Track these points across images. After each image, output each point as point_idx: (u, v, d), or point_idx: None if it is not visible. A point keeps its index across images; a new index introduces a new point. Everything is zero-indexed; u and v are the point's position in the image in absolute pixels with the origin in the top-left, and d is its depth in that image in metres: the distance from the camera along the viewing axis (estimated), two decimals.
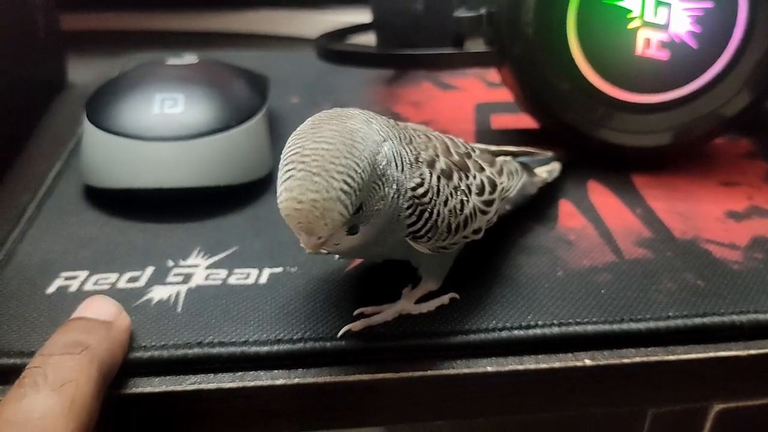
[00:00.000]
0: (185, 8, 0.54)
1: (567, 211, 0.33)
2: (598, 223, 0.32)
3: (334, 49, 0.41)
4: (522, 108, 0.37)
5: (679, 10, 0.34)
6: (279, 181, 0.21)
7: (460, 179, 0.25)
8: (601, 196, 0.34)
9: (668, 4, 0.33)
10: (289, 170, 0.21)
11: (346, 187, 0.20)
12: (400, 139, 0.24)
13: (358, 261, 0.29)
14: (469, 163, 0.26)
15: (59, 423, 0.19)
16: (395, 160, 0.22)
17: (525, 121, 0.38)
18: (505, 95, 0.39)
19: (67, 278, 0.27)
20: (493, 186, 0.27)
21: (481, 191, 0.26)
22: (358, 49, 0.41)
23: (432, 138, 0.25)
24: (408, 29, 0.39)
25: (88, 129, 0.32)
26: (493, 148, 0.30)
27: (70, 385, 0.20)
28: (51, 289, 0.27)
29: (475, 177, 0.26)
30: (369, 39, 0.46)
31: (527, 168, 0.31)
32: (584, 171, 0.36)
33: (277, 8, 0.54)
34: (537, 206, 0.33)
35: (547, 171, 0.33)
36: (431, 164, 0.24)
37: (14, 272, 0.28)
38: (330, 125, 0.22)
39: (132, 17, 0.53)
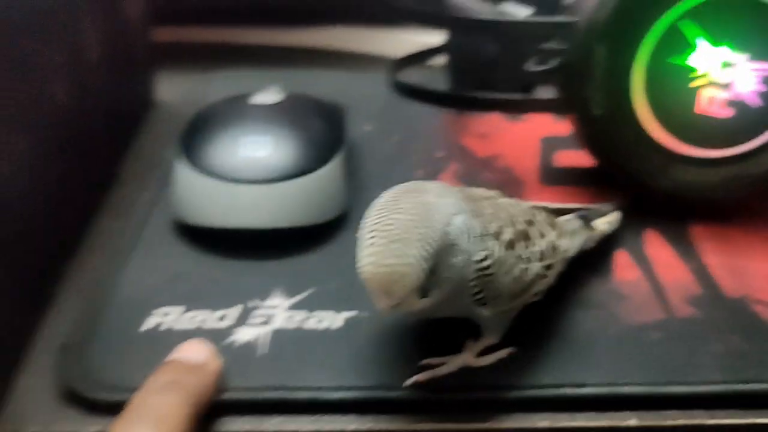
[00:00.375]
0: (267, 23, 0.56)
1: (623, 262, 0.35)
2: (651, 276, 0.34)
3: (405, 83, 0.43)
4: (587, 154, 0.39)
5: (745, 70, 0.34)
6: (361, 248, 0.24)
7: (525, 247, 0.27)
8: (657, 247, 0.36)
9: (734, 64, 0.34)
10: (370, 238, 0.24)
11: (422, 253, 0.23)
12: (472, 212, 0.26)
13: None
14: (532, 232, 0.28)
15: None
16: (466, 233, 0.25)
17: (589, 159, 0.39)
18: (571, 129, 0.40)
19: (159, 315, 0.31)
20: (554, 250, 0.29)
21: (542, 257, 0.28)
22: (428, 87, 0.43)
23: (498, 209, 0.27)
24: (481, 69, 0.41)
25: (181, 168, 0.35)
26: (555, 206, 0.32)
27: (167, 421, 0.23)
28: (145, 327, 0.30)
29: (536, 245, 0.28)
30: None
31: (587, 223, 0.33)
32: (643, 219, 0.37)
33: (356, 25, 0.56)
34: (595, 258, 0.34)
35: (608, 222, 0.35)
36: (497, 236, 0.26)
37: (114, 309, 0.31)
38: (408, 198, 0.24)
39: (213, 31, 0.56)
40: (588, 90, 0.35)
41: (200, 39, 0.56)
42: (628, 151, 0.36)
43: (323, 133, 0.37)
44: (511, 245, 0.27)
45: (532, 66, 0.36)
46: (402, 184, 0.26)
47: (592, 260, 0.34)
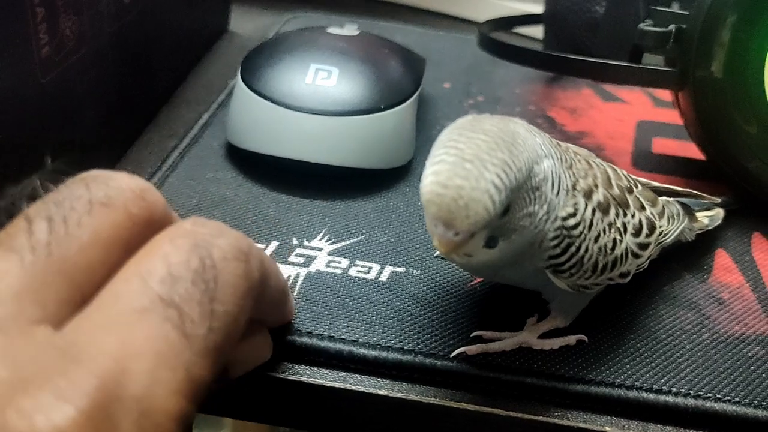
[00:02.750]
0: None
1: (724, 264, 0.30)
2: (757, 284, 0.29)
3: (495, 39, 0.38)
4: (694, 140, 0.34)
5: None
6: (427, 165, 0.19)
7: (617, 215, 0.23)
8: (765, 253, 0.30)
9: None
10: (440, 155, 0.19)
11: (498, 181, 0.19)
12: (561, 161, 0.22)
13: None
14: (630, 199, 0.23)
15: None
16: (552, 180, 0.21)
17: (691, 150, 0.35)
18: (673, 117, 0.35)
19: None
20: (652, 228, 0.24)
21: (637, 232, 0.23)
22: (522, 45, 0.38)
23: (593, 165, 0.23)
24: (582, 30, 0.37)
25: (240, 88, 0.32)
26: (656, 184, 0.28)
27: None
28: None
29: (633, 215, 0.23)
30: (538, 31, 0.44)
31: (688, 211, 0.28)
32: (751, 222, 0.32)
33: None
34: (691, 253, 0.29)
35: (709, 217, 0.30)
36: (588, 194, 0.22)
37: None
38: (492, 121, 0.20)
39: None
40: (709, 65, 0.30)
41: None
42: (750, 141, 0.31)
43: (397, 74, 0.33)
44: (603, 209, 0.22)
45: (647, 24, 0.31)
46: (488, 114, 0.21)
47: (689, 255, 0.29)
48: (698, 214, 0.29)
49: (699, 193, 0.29)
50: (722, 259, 0.30)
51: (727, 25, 0.30)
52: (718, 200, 0.31)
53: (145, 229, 0.17)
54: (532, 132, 0.21)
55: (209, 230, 0.17)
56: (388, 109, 0.32)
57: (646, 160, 0.36)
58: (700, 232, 0.29)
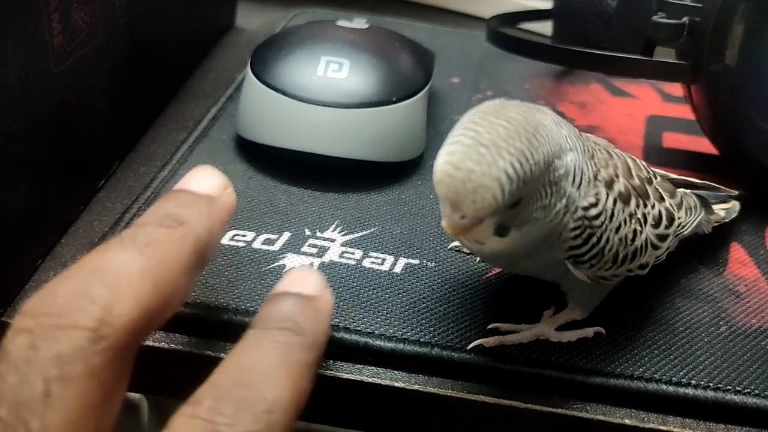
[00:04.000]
0: None
1: (739, 257, 0.29)
2: None
3: (505, 33, 0.38)
4: (707, 134, 0.33)
5: None
6: (444, 144, 0.19)
7: (638, 206, 0.22)
8: None
9: None
10: (457, 135, 0.19)
11: (510, 171, 0.18)
12: (584, 151, 0.21)
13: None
14: (650, 190, 0.23)
15: (134, 280, 0.18)
16: (574, 174, 0.20)
17: (702, 144, 0.34)
18: (683, 112, 0.35)
19: None
20: (671, 219, 0.24)
21: (657, 223, 0.23)
22: (531, 39, 0.38)
23: (614, 155, 0.23)
24: (593, 24, 0.36)
25: (250, 80, 0.32)
26: (673, 176, 0.27)
27: (156, 250, 0.19)
28: None
29: (653, 206, 0.23)
30: (544, 28, 0.43)
31: (705, 204, 0.28)
32: (765, 216, 0.32)
33: None
34: (706, 246, 0.29)
35: (725, 209, 0.30)
36: (609, 184, 0.21)
37: None
38: (517, 109, 0.20)
39: None
40: (723, 58, 0.30)
41: None
42: (765, 135, 0.31)
43: (407, 68, 0.33)
44: (624, 199, 0.22)
45: (661, 17, 0.31)
46: (516, 101, 0.21)
47: (705, 248, 0.29)
48: (714, 207, 0.29)
49: (715, 185, 0.29)
50: (737, 252, 0.30)
51: (741, 17, 0.30)
52: (735, 193, 0.30)
53: None
54: (559, 124, 0.21)
55: None
56: (400, 101, 0.31)
57: (657, 155, 0.36)
58: (716, 224, 0.29)
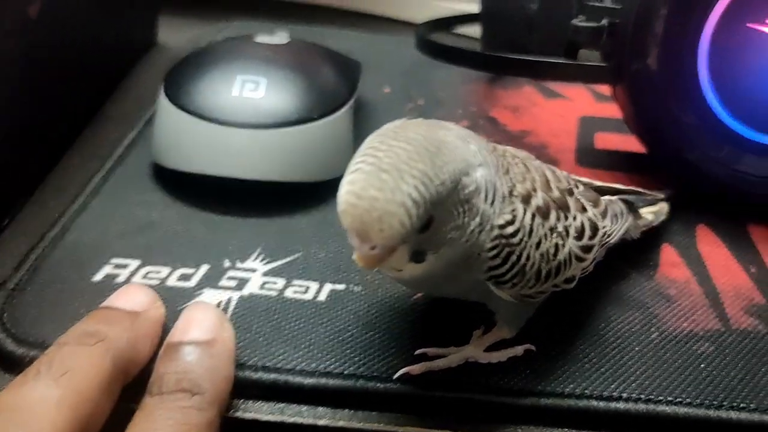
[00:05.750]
0: None
1: (670, 259, 0.29)
2: (704, 278, 0.28)
3: (431, 41, 0.38)
4: (634, 133, 0.33)
5: None
6: (346, 173, 0.19)
7: (558, 219, 0.22)
8: (711, 245, 0.30)
9: None
10: (357, 163, 0.18)
11: (415, 194, 0.18)
12: (498, 167, 0.21)
13: None
14: (570, 202, 0.23)
15: (52, 412, 0.18)
16: (486, 190, 0.20)
17: (634, 143, 0.34)
18: (614, 111, 0.35)
19: (117, 266, 0.26)
20: (595, 230, 0.23)
21: (580, 235, 0.23)
22: (461, 47, 0.37)
23: (531, 169, 0.22)
24: (518, 28, 0.36)
25: (163, 103, 0.30)
26: (598, 183, 0.27)
27: (72, 375, 0.19)
28: (98, 277, 0.25)
29: (575, 218, 0.22)
30: (477, 30, 0.43)
31: (632, 209, 0.28)
32: (695, 214, 0.32)
33: None
34: (636, 250, 0.29)
35: (653, 212, 0.29)
36: (526, 199, 0.21)
37: (65, 252, 0.26)
38: (418, 129, 0.19)
39: None
40: (645, 56, 0.30)
41: None
42: (688, 132, 0.31)
43: (330, 82, 0.32)
44: (543, 213, 0.21)
45: (581, 20, 0.31)
46: (420, 119, 0.20)
47: (635, 253, 0.29)
48: (642, 211, 0.29)
49: (641, 190, 0.29)
50: (668, 254, 0.29)
51: (660, 18, 0.29)
52: (662, 195, 0.30)
53: None
54: (465, 139, 0.20)
55: None
56: (322, 118, 0.31)
57: (589, 157, 0.36)
58: (645, 228, 0.29)
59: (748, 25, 0.29)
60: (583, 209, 0.23)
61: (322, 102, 0.31)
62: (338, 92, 0.32)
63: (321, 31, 0.46)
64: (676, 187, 0.31)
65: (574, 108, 0.41)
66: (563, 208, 0.22)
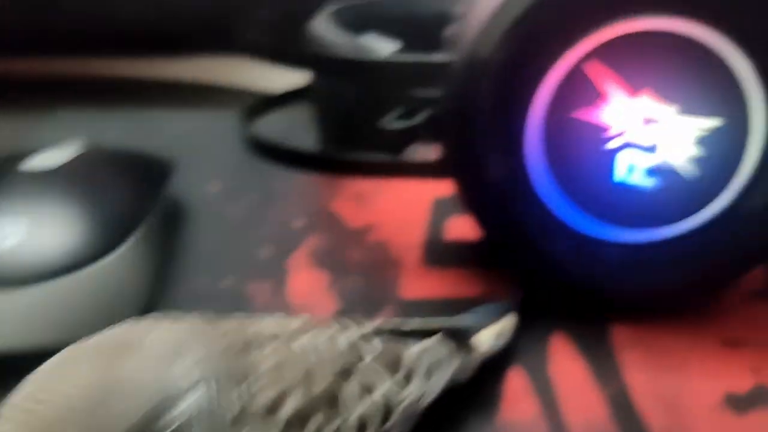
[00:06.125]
0: (118, 53, 0.47)
1: (517, 387, 0.25)
2: (552, 411, 0.24)
3: (257, 139, 0.34)
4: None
5: (673, 129, 0.26)
6: None
7: (327, 420, 0.17)
8: (565, 361, 0.26)
9: (658, 122, 0.26)
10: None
11: None
12: (230, 377, 0.16)
13: None
14: (346, 390, 0.18)
15: None
16: (206, 419, 0.15)
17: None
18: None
19: None
20: (388, 411, 0.19)
21: (362, 427, 0.18)
22: (286, 145, 0.33)
23: (288, 361, 0.18)
24: (346, 124, 0.32)
25: None
26: (413, 325, 0.23)
27: None
28: None
29: (349, 410, 0.18)
30: None
31: (463, 342, 0.24)
32: (549, 320, 0.28)
33: (220, 56, 0.46)
34: (475, 381, 0.25)
35: (496, 334, 0.25)
36: (272, 410, 0.16)
37: None
38: (89, 366, 0.15)
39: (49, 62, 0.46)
40: (471, 150, 0.26)
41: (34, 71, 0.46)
42: (528, 231, 0.27)
43: (118, 206, 0.28)
44: (300, 420, 0.17)
45: (392, 121, 0.27)
46: (113, 329, 0.16)
47: (473, 387, 0.25)
48: (481, 337, 0.25)
49: (471, 314, 0.25)
50: (515, 380, 0.26)
51: (482, 105, 0.26)
52: (502, 306, 0.26)
53: None
54: (175, 353, 0.15)
55: None
56: (108, 253, 0.26)
57: (437, 253, 0.32)
58: (485, 358, 0.25)
59: (571, 115, 0.26)
60: (369, 389, 0.19)
61: (103, 237, 0.26)
62: (129, 218, 0.27)
63: (142, 116, 0.41)
64: (523, 291, 0.28)
65: (428, 189, 0.37)
66: (331, 404, 0.18)
